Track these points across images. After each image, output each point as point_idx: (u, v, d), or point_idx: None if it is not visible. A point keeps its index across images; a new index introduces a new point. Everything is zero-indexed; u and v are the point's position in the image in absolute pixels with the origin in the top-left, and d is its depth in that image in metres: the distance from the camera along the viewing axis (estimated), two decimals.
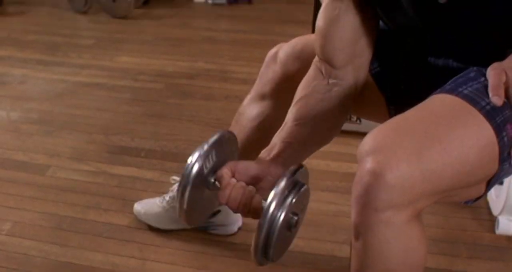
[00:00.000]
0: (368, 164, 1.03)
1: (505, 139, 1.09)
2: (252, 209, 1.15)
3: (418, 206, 1.06)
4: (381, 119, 1.41)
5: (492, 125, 1.08)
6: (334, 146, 2.24)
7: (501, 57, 1.14)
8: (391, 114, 1.37)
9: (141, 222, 1.82)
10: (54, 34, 3.49)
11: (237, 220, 1.84)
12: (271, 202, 1.08)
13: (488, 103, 1.09)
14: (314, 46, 1.35)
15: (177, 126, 2.44)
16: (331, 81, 1.32)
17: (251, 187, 1.17)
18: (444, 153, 1.04)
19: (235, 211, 1.17)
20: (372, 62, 1.37)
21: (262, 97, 1.61)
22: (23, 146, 2.28)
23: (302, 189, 1.13)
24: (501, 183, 1.85)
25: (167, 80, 2.86)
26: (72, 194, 1.97)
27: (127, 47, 3.28)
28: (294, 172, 1.13)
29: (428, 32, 1.25)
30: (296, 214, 1.13)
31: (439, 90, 1.17)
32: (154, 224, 1.83)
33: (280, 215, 1.08)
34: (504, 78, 1.11)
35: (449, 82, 1.18)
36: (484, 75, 1.14)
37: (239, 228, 1.81)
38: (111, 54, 3.18)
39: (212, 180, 1.19)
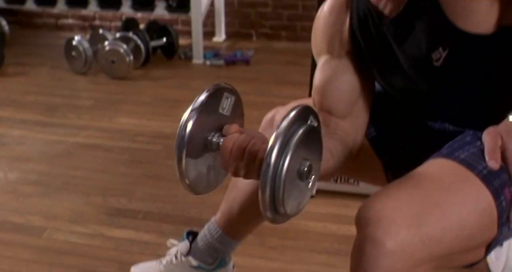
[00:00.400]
0: (368, 231, 1.03)
1: (504, 203, 1.10)
2: (257, 164, 1.03)
3: (419, 271, 1.06)
4: (379, 183, 1.42)
5: (490, 189, 1.09)
6: (332, 207, 2.25)
7: (496, 120, 1.16)
8: (389, 179, 1.38)
9: None
10: (53, 95, 3.52)
11: None
12: (272, 145, 0.98)
13: (485, 167, 1.11)
14: (312, 104, 1.37)
15: (175, 188, 2.42)
16: (330, 129, 1.32)
17: (260, 135, 1.08)
18: (443, 218, 1.05)
19: (236, 168, 1.07)
20: (368, 126, 1.39)
21: None
22: (21, 208, 2.28)
23: (310, 128, 1.03)
24: (501, 244, 1.84)
25: (165, 141, 2.87)
26: (68, 257, 1.95)
27: (126, 108, 3.31)
28: (299, 112, 1.03)
29: (424, 95, 1.26)
30: (307, 160, 1.03)
31: (436, 154, 1.18)
32: None
33: (284, 160, 0.98)
34: (499, 142, 1.12)
35: (446, 146, 1.20)
36: (480, 139, 1.16)
37: None
38: (109, 115, 3.20)
39: (215, 139, 1.09)
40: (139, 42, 3.84)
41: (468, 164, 1.11)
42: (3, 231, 2.11)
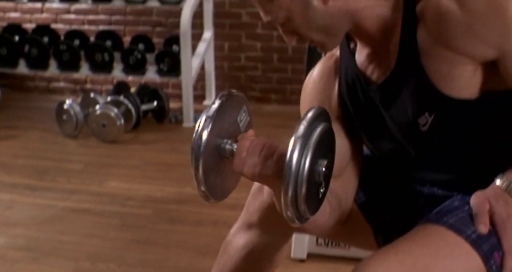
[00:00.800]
0: None
1: (493, 267, 1.11)
2: (275, 158, 1.08)
3: None
4: (369, 248, 1.42)
5: (479, 253, 1.10)
6: (322, 271, 2.23)
7: (484, 184, 1.18)
8: (379, 243, 1.38)
9: None
10: (44, 159, 3.53)
11: None
12: (294, 143, 1.04)
13: (474, 232, 1.12)
14: None
15: (165, 253, 2.42)
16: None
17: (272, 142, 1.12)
18: None
19: (251, 166, 1.10)
20: (357, 191, 1.40)
21: (249, 226, 1.61)
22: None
23: (327, 128, 1.10)
24: None
25: (156, 206, 2.87)
26: None
27: (116, 172, 3.32)
28: (316, 113, 1.09)
29: (412, 159, 1.28)
30: (323, 158, 1.08)
31: (425, 219, 1.19)
32: None
33: (305, 160, 1.04)
34: (487, 206, 1.14)
35: (435, 211, 1.21)
36: (468, 203, 1.17)
37: None
38: (100, 179, 3.20)
39: (226, 146, 1.12)
40: (130, 105, 3.87)
41: (457, 229, 1.12)
42: None
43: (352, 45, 1.29)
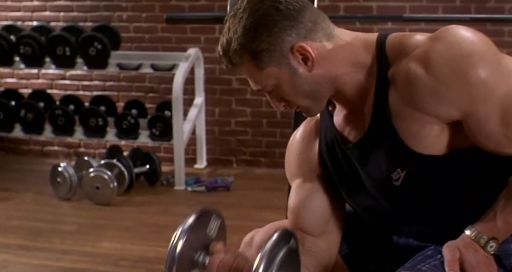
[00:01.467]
0: None
1: None
2: None
3: None
4: None
5: None
6: None
7: (455, 235, 1.29)
8: None
9: None
10: (38, 220, 3.61)
11: None
12: (258, 264, 1.12)
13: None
14: (288, 224, 1.48)
15: None
16: (306, 248, 1.43)
17: (243, 255, 1.23)
18: None
19: None
20: (341, 244, 1.50)
21: None
22: None
23: (291, 250, 1.19)
24: None
25: (148, 265, 2.95)
26: None
27: (109, 233, 3.40)
28: (282, 235, 1.19)
29: (388, 213, 1.39)
30: None
31: (401, 267, 1.30)
32: None
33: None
34: (458, 255, 1.25)
35: (410, 260, 1.31)
36: (441, 252, 1.28)
37: None
38: (93, 239, 3.28)
39: (201, 258, 1.23)
40: (123, 168, 3.98)
41: None
42: None
43: (330, 108, 1.42)
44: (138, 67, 4.53)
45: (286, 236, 1.20)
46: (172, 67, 4.49)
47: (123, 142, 4.70)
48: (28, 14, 5.02)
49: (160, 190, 4.25)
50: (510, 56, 1.28)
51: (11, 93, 4.80)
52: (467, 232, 1.28)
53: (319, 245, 1.45)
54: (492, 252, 1.27)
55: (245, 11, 1.29)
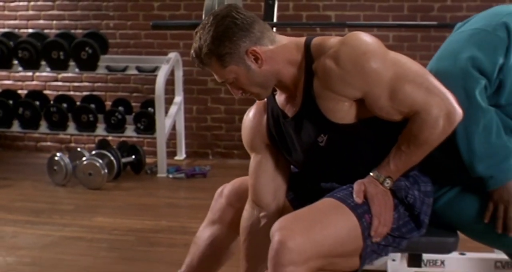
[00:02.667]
0: (277, 237, 1.68)
1: (365, 223, 1.76)
2: None
3: (311, 265, 1.70)
4: None
5: (355, 214, 1.76)
6: None
7: (363, 178, 1.85)
8: None
9: None
10: (38, 202, 4.11)
11: None
12: None
13: (353, 202, 1.78)
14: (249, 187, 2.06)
15: (147, 267, 3.01)
16: (261, 215, 2.01)
17: None
18: (324, 230, 1.71)
19: None
20: (287, 192, 2.06)
21: (213, 223, 2.25)
22: None
23: None
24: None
25: (137, 234, 3.47)
26: None
27: (102, 211, 3.92)
28: None
29: (316, 166, 1.95)
30: None
31: (324, 196, 1.85)
32: None
33: None
34: (363, 188, 1.81)
35: (331, 192, 1.87)
36: (352, 187, 1.83)
37: None
38: (88, 216, 3.79)
39: None
40: (112, 158, 4.50)
41: (342, 200, 1.78)
42: None
43: (274, 93, 1.97)
44: (124, 69, 5.06)
45: None
46: (155, 69, 5.02)
47: (110, 138, 5.22)
48: (24, 22, 5.51)
49: (144, 177, 4.78)
50: (397, 53, 1.85)
51: (9, 93, 5.30)
52: (371, 173, 1.83)
53: (271, 209, 2.03)
54: (388, 187, 1.83)
55: (212, 25, 1.82)
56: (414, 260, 2.21)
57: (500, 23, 1.93)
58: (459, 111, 1.77)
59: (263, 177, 2.03)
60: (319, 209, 1.78)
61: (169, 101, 5.09)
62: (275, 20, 3.23)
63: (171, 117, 5.04)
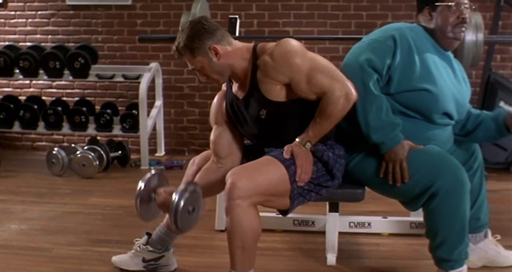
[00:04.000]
0: (230, 180, 2.47)
1: (291, 171, 2.55)
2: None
3: (253, 200, 2.48)
4: None
5: (284, 165, 2.55)
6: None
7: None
8: None
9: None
10: (40, 188, 4.84)
11: (174, 262, 3.14)
12: (175, 195, 2.49)
13: (283, 157, 2.57)
14: (211, 148, 2.84)
15: (133, 231, 3.73)
16: (218, 165, 2.78)
17: (171, 190, 2.60)
18: (262, 175, 2.50)
19: (163, 208, 2.62)
20: (242, 159, 2.84)
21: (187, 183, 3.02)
22: (32, 237, 3.57)
23: (195, 191, 2.55)
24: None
25: (126, 209, 4.20)
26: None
27: (95, 194, 4.66)
28: (190, 183, 2.55)
29: (259, 135, 2.73)
30: (192, 205, 2.50)
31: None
32: (123, 266, 3.12)
33: (180, 202, 2.47)
34: (290, 149, 2.60)
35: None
36: (284, 149, 2.62)
37: (175, 268, 3.12)
38: (84, 197, 4.54)
39: (152, 195, 2.62)
40: (102, 152, 5.26)
41: (275, 156, 2.57)
42: (16, 253, 3.39)
43: (231, 83, 2.76)
44: (111, 77, 5.82)
45: (193, 184, 2.63)
46: (138, 77, 5.78)
47: (99, 137, 5.98)
48: (22, 36, 6.26)
49: (129, 169, 5.54)
50: (315, 53, 2.65)
51: (10, 98, 6.03)
52: (298, 139, 2.61)
53: (226, 163, 2.79)
54: (308, 149, 2.60)
55: (188, 28, 2.61)
56: (333, 207, 3.03)
57: (389, 35, 2.75)
58: (354, 93, 2.57)
59: (221, 142, 2.81)
60: (259, 162, 2.58)
61: (150, 105, 5.85)
62: (237, 34, 4.01)
63: (152, 119, 5.79)
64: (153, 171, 2.82)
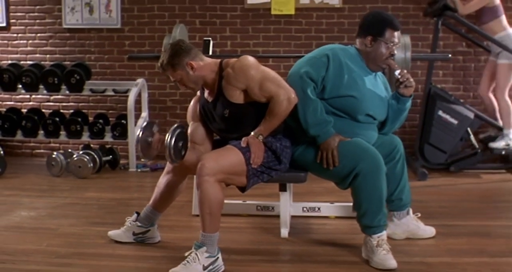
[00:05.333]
0: (200, 162, 3.27)
1: (247, 156, 3.35)
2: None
3: (218, 177, 3.28)
4: None
5: (241, 151, 3.35)
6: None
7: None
8: None
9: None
10: (42, 185, 5.58)
11: (158, 236, 3.92)
12: (168, 133, 3.28)
13: (241, 146, 3.38)
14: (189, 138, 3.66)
15: (125, 215, 4.53)
16: (195, 151, 3.57)
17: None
18: (225, 159, 3.31)
19: (157, 146, 3.42)
20: (212, 149, 3.64)
21: (167, 173, 3.79)
22: (39, 222, 4.34)
23: (182, 130, 3.34)
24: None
25: (118, 201, 4.97)
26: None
27: (91, 189, 5.42)
28: (179, 125, 3.34)
29: (224, 130, 3.54)
30: (181, 141, 3.31)
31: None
32: (117, 239, 3.90)
33: (172, 137, 3.27)
34: (246, 140, 3.40)
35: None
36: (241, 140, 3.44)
37: (159, 241, 3.90)
38: (81, 192, 5.29)
39: (149, 139, 3.40)
40: (95, 156, 6.02)
41: (235, 145, 3.37)
42: (28, 232, 4.16)
43: (204, 90, 3.56)
44: (103, 91, 6.60)
45: (181, 126, 3.38)
46: (126, 91, 6.52)
47: (92, 145, 6.75)
48: (24, 56, 6.97)
49: (119, 171, 6.31)
50: (266, 67, 3.47)
51: (13, 110, 6.79)
52: (252, 133, 3.42)
53: (201, 149, 3.60)
54: (261, 140, 3.40)
55: (169, 49, 3.41)
56: (283, 187, 3.83)
57: (324, 54, 3.58)
58: (295, 97, 3.39)
59: (197, 132, 3.59)
60: (223, 149, 3.38)
61: (137, 116, 6.55)
62: (210, 53, 4.84)
63: (139, 128, 6.50)
64: (148, 120, 3.61)
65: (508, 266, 3.44)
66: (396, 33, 3.62)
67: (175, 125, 3.40)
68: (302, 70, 3.52)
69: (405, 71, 3.65)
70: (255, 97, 3.39)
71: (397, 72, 3.63)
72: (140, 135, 3.45)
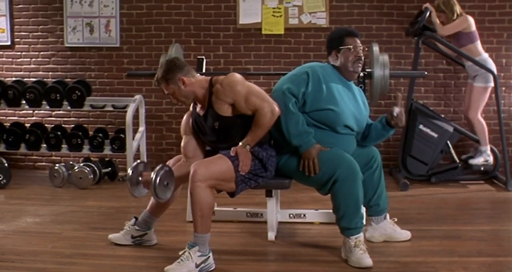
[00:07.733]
0: (193, 169, 3.63)
1: (235, 164, 3.71)
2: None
3: (209, 183, 3.63)
4: None
5: (230, 160, 3.72)
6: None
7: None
8: None
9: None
10: (45, 195, 5.90)
11: (154, 239, 4.26)
12: (153, 173, 3.62)
13: (230, 155, 3.74)
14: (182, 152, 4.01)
15: (124, 221, 4.86)
16: (187, 163, 3.94)
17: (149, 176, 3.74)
18: (215, 166, 3.67)
19: (147, 186, 3.75)
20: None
21: None
22: (42, 227, 4.67)
23: (167, 170, 3.69)
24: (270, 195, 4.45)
25: (116, 209, 5.30)
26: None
27: (91, 198, 5.75)
28: (164, 166, 3.69)
29: (215, 142, 3.89)
30: (166, 180, 3.65)
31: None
32: (117, 241, 4.23)
33: (157, 178, 3.61)
34: (235, 149, 3.76)
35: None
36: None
37: (156, 243, 4.24)
38: (82, 201, 5.62)
39: (139, 178, 3.75)
40: (95, 168, 6.36)
41: (224, 154, 3.72)
42: (34, 235, 4.49)
43: (196, 105, 3.91)
44: (103, 107, 6.94)
45: (166, 166, 3.75)
46: (125, 107, 6.83)
47: (92, 158, 7.08)
48: (27, 73, 7.27)
49: (118, 183, 6.63)
50: (252, 83, 3.83)
51: (17, 125, 7.13)
52: (240, 143, 3.77)
53: (192, 162, 3.92)
54: (248, 149, 3.75)
55: (164, 65, 3.78)
56: (269, 193, 4.17)
57: (304, 71, 3.94)
58: (278, 110, 3.75)
59: (189, 146, 3.95)
60: (214, 158, 3.73)
61: (135, 130, 6.82)
62: (203, 70, 5.21)
63: (136, 141, 6.83)
64: (138, 161, 3.96)
65: (475, 264, 3.77)
66: (355, 39, 4.01)
67: (159, 166, 3.74)
68: (284, 87, 3.88)
69: (403, 113, 4.00)
70: (242, 110, 3.74)
71: (396, 110, 3.98)
72: (130, 174, 3.83)
